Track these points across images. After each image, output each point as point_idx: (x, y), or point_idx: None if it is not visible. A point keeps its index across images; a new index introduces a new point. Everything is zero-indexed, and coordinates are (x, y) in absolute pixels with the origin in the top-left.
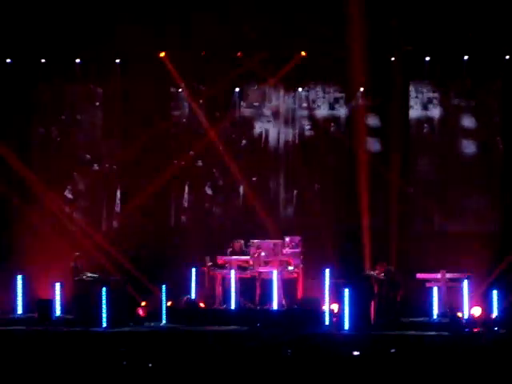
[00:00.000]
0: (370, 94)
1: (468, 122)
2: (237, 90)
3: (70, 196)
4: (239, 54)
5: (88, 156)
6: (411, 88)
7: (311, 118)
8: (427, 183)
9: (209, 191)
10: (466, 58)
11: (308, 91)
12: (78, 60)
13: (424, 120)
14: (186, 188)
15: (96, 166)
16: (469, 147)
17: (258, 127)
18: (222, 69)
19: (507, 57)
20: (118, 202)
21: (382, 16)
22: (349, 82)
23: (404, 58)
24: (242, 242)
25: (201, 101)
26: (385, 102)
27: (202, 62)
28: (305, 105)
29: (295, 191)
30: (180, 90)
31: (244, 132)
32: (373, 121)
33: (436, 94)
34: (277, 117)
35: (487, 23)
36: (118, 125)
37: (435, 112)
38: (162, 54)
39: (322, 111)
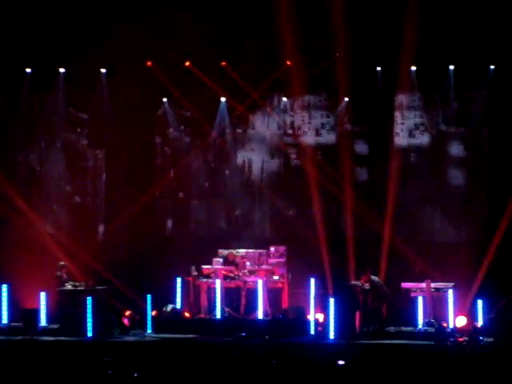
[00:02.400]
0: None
1: (455, 148)
2: (223, 99)
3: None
4: (224, 63)
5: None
6: (397, 114)
7: (297, 144)
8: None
9: (194, 202)
10: (451, 67)
11: (293, 116)
12: (62, 70)
13: (410, 147)
14: (172, 198)
15: (78, 198)
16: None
17: (241, 156)
18: (206, 78)
19: (492, 67)
20: (103, 213)
21: (366, 29)
22: (334, 97)
23: (391, 70)
24: (236, 251)
25: (182, 127)
26: (371, 126)
27: (186, 73)
28: (290, 131)
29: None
30: (165, 100)
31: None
32: (359, 147)
33: (423, 120)
34: (261, 144)
35: (472, 35)
36: (102, 146)
37: (422, 139)
38: (149, 64)
39: (309, 138)
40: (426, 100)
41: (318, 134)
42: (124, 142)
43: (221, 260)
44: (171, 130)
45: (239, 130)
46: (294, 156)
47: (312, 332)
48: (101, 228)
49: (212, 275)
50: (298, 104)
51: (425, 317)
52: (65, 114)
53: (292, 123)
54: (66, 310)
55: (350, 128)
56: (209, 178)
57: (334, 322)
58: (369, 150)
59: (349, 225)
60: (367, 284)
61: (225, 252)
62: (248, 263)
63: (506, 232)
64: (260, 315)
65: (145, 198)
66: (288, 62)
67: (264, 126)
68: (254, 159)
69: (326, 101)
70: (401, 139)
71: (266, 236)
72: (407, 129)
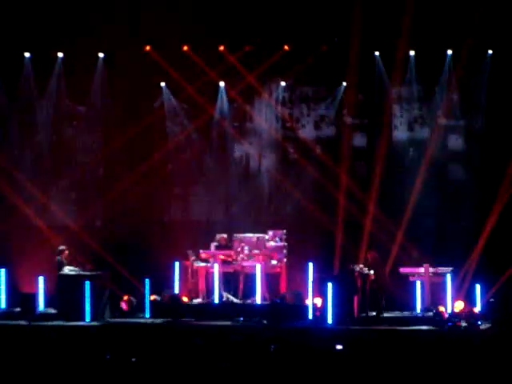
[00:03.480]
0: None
1: (454, 141)
2: (222, 84)
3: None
4: (222, 47)
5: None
6: (396, 106)
7: (295, 138)
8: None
9: (193, 186)
10: (449, 52)
11: (292, 109)
12: (60, 55)
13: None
14: (170, 185)
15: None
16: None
17: (238, 150)
18: (204, 63)
19: (490, 52)
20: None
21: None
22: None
23: (390, 54)
24: (226, 236)
25: (179, 115)
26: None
27: (184, 57)
28: (288, 124)
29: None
30: (163, 85)
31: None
32: (358, 140)
33: (422, 112)
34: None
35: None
36: (100, 132)
37: (421, 132)
38: (148, 48)
39: (307, 131)
40: (425, 92)
41: (317, 126)
42: (122, 128)
43: (216, 244)
44: (169, 116)
45: (236, 124)
46: (292, 149)
47: (310, 317)
48: (99, 213)
49: (210, 260)
50: (296, 95)
51: (423, 302)
52: (62, 103)
53: (290, 116)
54: (65, 294)
55: (351, 121)
56: (207, 164)
57: (332, 307)
58: (368, 143)
59: (343, 217)
60: (366, 268)
61: (218, 236)
62: (246, 248)
63: (502, 217)
64: (258, 300)
65: (144, 184)
66: (286, 47)
67: (262, 118)
68: (252, 152)
69: (325, 92)
70: (400, 132)
71: (264, 220)
72: (406, 122)
